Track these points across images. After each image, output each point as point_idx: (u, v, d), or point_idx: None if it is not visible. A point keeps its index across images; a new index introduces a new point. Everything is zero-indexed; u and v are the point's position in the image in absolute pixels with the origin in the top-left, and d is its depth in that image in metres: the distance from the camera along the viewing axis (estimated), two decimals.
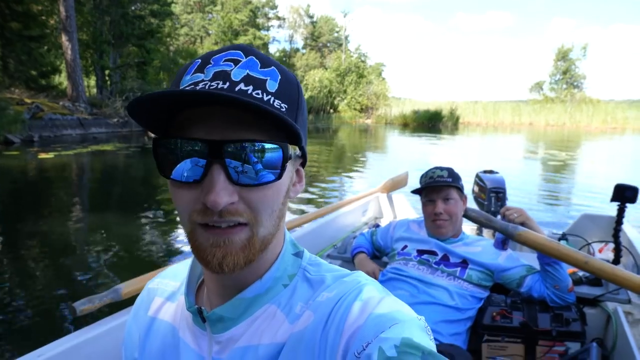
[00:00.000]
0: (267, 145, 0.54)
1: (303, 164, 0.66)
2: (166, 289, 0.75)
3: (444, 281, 1.86)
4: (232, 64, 0.56)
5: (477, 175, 2.88)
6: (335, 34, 58.39)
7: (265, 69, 0.57)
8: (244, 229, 0.55)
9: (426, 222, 2.05)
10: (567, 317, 1.78)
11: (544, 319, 1.80)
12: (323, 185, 9.13)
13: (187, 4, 50.03)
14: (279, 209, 0.59)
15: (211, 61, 0.57)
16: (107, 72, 23.78)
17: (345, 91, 41.94)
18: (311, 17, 58.61)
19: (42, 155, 11.71)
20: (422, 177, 2.08)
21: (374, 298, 0.57)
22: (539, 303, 1.85)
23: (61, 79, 24.31)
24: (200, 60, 0.58)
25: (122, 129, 19.33)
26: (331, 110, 40.75)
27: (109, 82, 23.76)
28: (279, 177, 0.56)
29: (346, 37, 55.02)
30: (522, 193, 8.52)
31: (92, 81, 24.91)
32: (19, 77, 19.99)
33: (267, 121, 0.54)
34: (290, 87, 0.58)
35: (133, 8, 24.59)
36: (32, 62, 20.75)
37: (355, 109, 41.51)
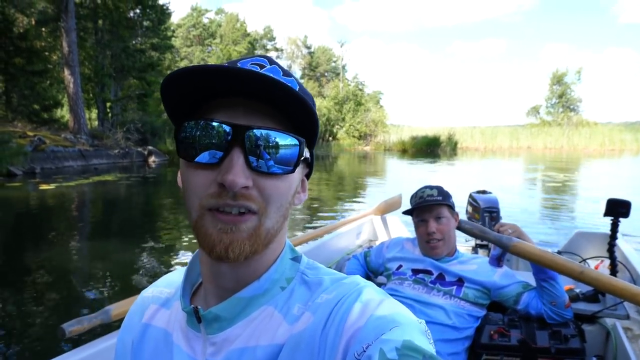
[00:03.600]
0: (286, 137, 0.57)
1: (308, 175, 0.68)
2: (161, 297, 0.75)
3: (440, 300, 1.85)
4: (257, 67, 0.60)
5: (470, 196, 2.88)
6: (333, 64, 59.36)
7: (287, 78, 0.61)
8: (252, 218, 0.57)
9: (420, 242, 2.04)
10: (565, 334, 1.76)
11: (542, 336, 1.77)
12: (324, 209, 9.11)
13: (187, 38, 51.09)
14: (286, 207, 0.61)
15: (237, 64, 0.61)
16: (108, 104, 24.09)
17: (343, 119, 42.32)
18: (309, 47, 59.75)
19: (44, 187, 11.75)
20: (412, 197, 2.08)
21: (373, 300, 0.57)
22: (537, 320, 1.83)
23: (63, 112, 24.61)
24: (227, 63, 0.61)
25: (123, 160, 19.45)
26: (330, 138, 41.01)
27: (110, 114, 24.03)
28: (292, 170, 0.58)
29: (343, 67, 55.90)
30: (519, 213, 8.51)
31: (94, 113, 25.20)
32: (21, 111, 20.26)
33: (287, 116, 0.58)
34: (306, 96, 0.61)
35: (134, 42, 25.11)
36: (34, 97, 21.08)
37: (353, 137, 41.78)
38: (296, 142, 0.57)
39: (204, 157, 0.56)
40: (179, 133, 0.57)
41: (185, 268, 0.72)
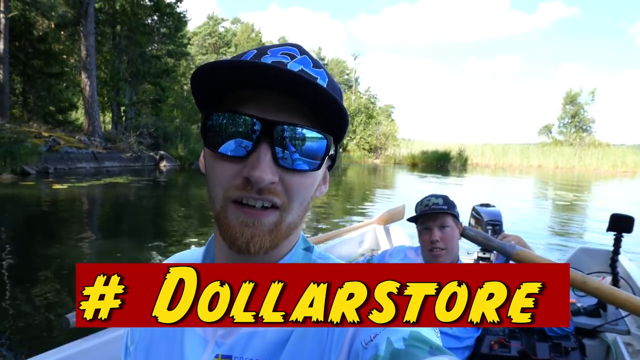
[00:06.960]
0: (314, 134, 0.57)
1: (330, 167, 0.68)
2: None
3: None
4: (288, 57, 0.60)
5: (473, 209, 2.87)
6: (346, 76, 59.67)
7: (317, 70, 0.61)
8: (274, 213, 0.57)
9: (422, 251, 2.06)
10: (566, 347, 1.76)
11: (542, 348, 1.78)
12: (330, 219, 9.12)
13: (202, 46, 51.72)
14: (308, 201, 0.62)
15: (268, 52, 0.60)
16: (122, 108, 24.41)
17: (354, 131, 42.37)
18: (322, 59, 60.15)
19: (56, 186, 11.93)
20: (417, 205, 2.09)
21: None
22: (537, 332, 1.84)
23: (78, 115, 24.98)
24: (255, 50, 0.61)
25: (135, 164, 19.66)
26: (340, 150, 41.05)
27: (124, 118, 24.33)
28: (318, 167, 0.59)
29: (356, 79, 56.19)
30: (525, 229, 8.45)
31: (108, 117, 25.54)
32: (37, 112, 20.65)
33: (316, 112, 0.57)
34: (335, 90, 0.62)
35: (150, 48, 25.50)
36: (51, 98, 21.49)
37: (364, 149, 41.79)
38: (324, 139, 0.57)
39: (230, 149, 0.56)
40: (207, 122, 0.58)
41: (200, 248, 0.74)
